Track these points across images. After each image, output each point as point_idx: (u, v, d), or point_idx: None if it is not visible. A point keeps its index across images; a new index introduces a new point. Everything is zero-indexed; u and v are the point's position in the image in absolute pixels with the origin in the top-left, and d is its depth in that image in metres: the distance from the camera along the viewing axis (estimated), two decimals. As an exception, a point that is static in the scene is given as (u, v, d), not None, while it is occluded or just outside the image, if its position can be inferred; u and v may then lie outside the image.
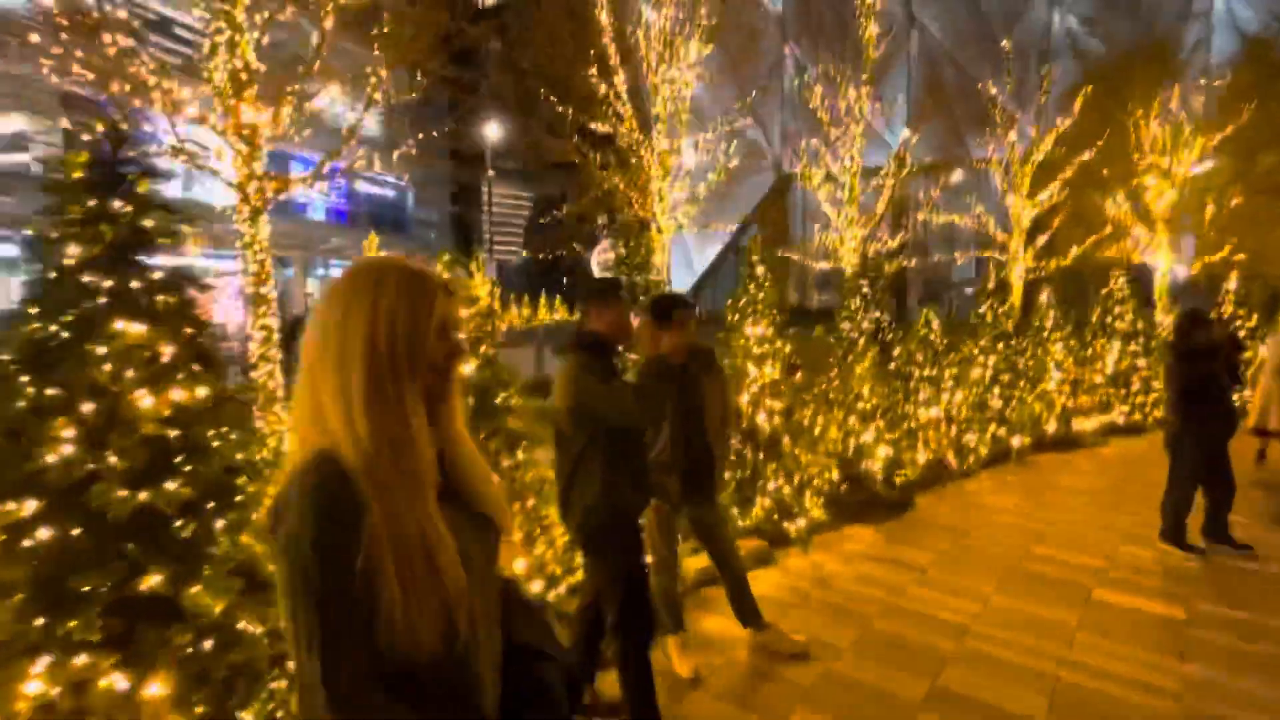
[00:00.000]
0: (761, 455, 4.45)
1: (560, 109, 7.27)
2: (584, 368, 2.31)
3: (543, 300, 41.18)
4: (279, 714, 2.17)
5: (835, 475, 5.35)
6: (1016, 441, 7.20)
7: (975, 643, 3.31)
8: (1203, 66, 13.33)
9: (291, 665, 2.17)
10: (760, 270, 5.32)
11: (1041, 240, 11.86)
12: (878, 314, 6.30)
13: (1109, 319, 9.28)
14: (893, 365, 6.29)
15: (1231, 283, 10.21)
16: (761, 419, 4.47)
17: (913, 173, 11.77)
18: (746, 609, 3.17)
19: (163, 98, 4.17)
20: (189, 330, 2.14)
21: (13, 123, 22.28)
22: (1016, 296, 11.91)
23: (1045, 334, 8.35)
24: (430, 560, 0.87)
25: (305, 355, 0.92)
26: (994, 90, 11.70)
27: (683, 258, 44.76)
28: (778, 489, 4.43)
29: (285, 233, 29.32)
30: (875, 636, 3.37)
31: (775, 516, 4.48)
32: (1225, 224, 12.31)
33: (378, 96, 5.34)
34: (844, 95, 9.69)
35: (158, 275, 2.09)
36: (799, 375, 5.33)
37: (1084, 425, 8.01)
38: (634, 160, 7.00)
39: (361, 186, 36.54)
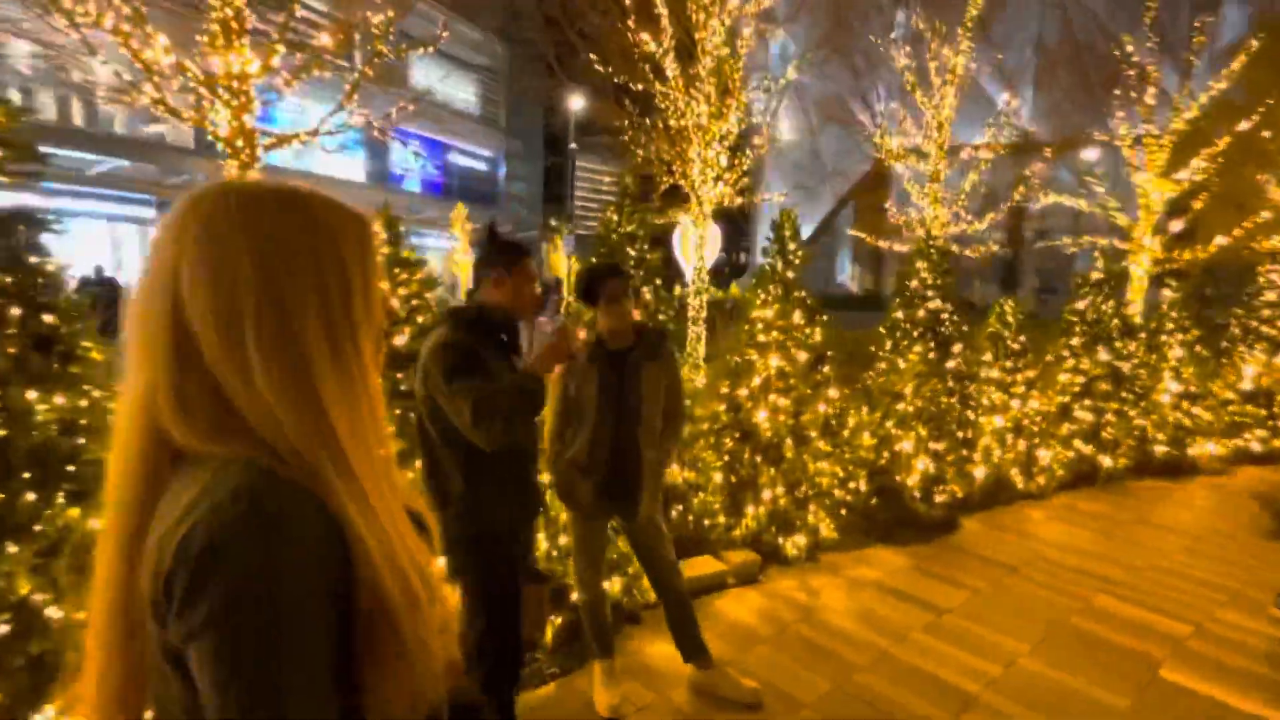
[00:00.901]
0: (759, 458, 3.86)
1: (602, 68, 6.76)
2: (446, 349, 1.88)
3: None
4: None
5: (863, 486, 4.65)
6: (1108, 462, 6.07)
7: None
8: None
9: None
10: (792, 246, 4.67)
11: (1174, 226, 10.00)
12: (937, 303, 5.39)
13: (1254, 323, 7.67)
14: (952, 363, 5.39)
15: None
16: (762, 417, 3.87)
17: (1020, 145, 10.29)
18: (689, 641, 2.67)
19: (138, 45, 4.10)
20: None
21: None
22: (1137, 292, 10.22)
23: (1163, 336, 6.99)
24: (432, 592, 0.66)
25: (201, 325, 0.60)
26: (1129, 46, 9.92)
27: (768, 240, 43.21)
28: (773, 498, 3.83)
29: (377, 202, 30.91)
30: (852, 693, 2.76)
31: (773, 529, 3.90)
32: None
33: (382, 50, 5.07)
34: (934, 53, 8.47)
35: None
36: (827, 369, 4.65)
37: (1203, 449, 6.65)
38: (674, 124, 6.39)
39: (455, 159, 37.77)
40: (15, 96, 21.13)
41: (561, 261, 31.63)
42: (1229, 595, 3.78)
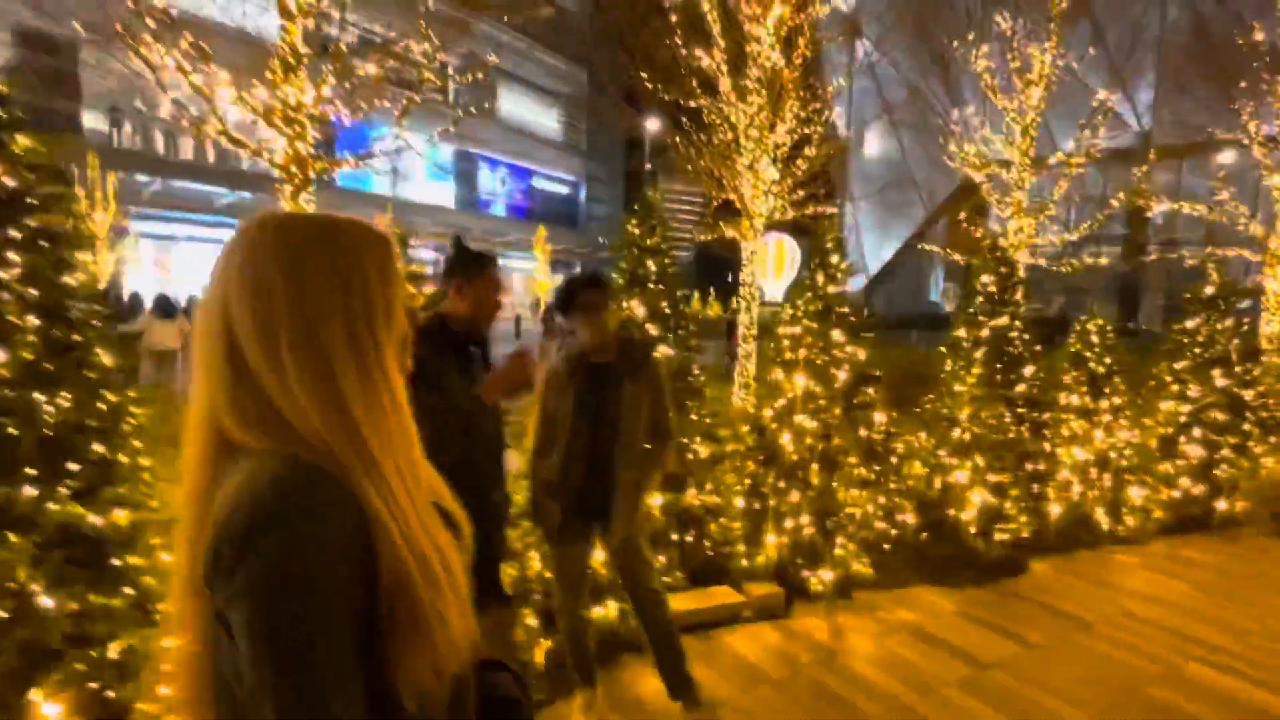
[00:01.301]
0: (782, 483, 3.61)
1: (650, 84, 6.75)
2: None
3: (695, 296, 40.98)
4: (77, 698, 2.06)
5: (911, 518, 4.25)
6: (1223, 505, 5.24)
7: (1013, 797, 2.26)
8: None
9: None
10: (835, 259, 4.44)
11: None
12: (1004, 319, 4.88)
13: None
14: (1021, 387, 4.86)
15: None
16: (786, 440, 3.62)
17: (1133, 150, 9.33)
18: (673, 677, 2.49)
19: (203, 82, 4.48)
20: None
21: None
22: (1276, 309, 8.92)
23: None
24: (454, 578, 0.74)
25: (245, 338, 0.71)
26: (1259, 34, 8.78)
27: (856, 253, 41.64)
28: (796, 527, 3.55)
29: (465, 226, 32.66)
30: (859, 751, 2.47)
31: (798, 561, 3.62)
32: None
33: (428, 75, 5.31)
34: (1016, 53, 7.80)
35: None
36: (872, 390, 4.32)
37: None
38: (719, 138, 6.24)
39: (539, 183, 39.30)
40: (160, 139, 24.07)
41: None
42: (1366, 674, 3.10)
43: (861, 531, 3.83)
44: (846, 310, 4.42)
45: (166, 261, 24.94)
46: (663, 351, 3.32)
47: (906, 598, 3.80)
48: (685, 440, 3.64)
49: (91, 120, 21.49)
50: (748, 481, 3.64)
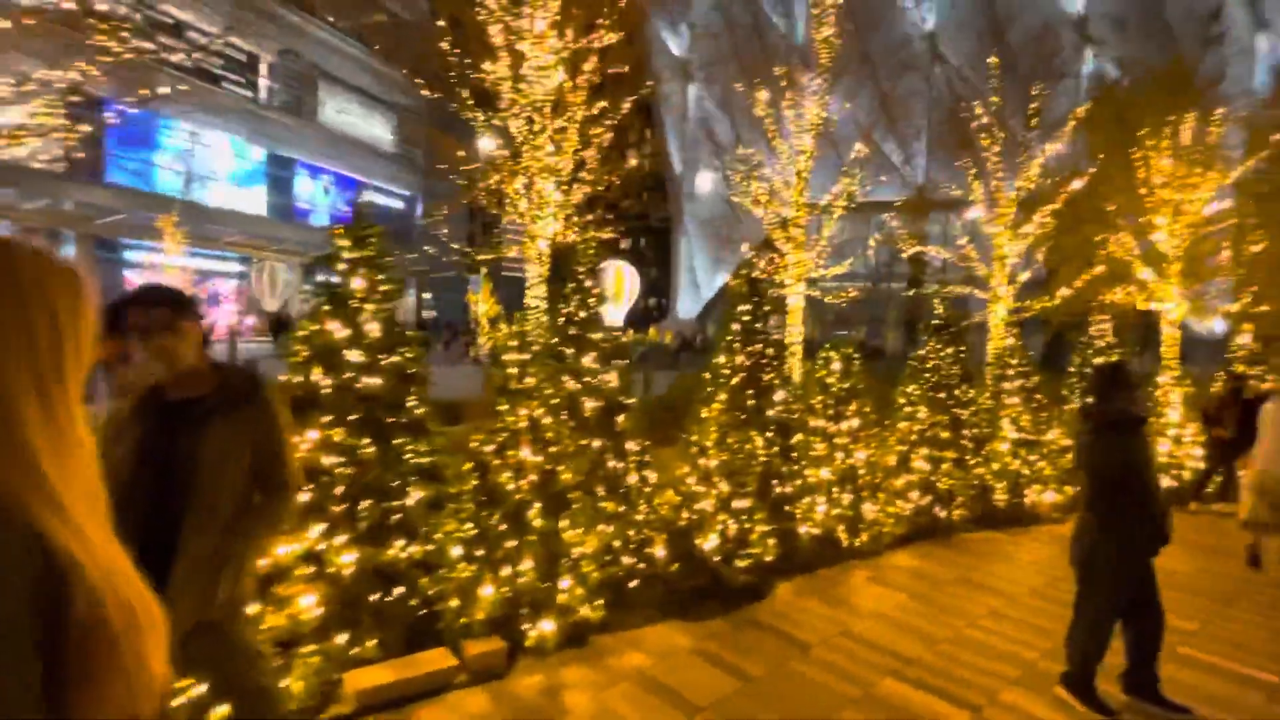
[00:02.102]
0: (504, 526, 3.28)
1: (428, 90, 6.32)
2: None
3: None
4: None
5: (661, 551, 4.14)
6: (944, 514, 5.88)
7: None
8: (1224, 96, 11.86)
9: None
10: (589, 284, 4.28)
11: (1023, 277, 10.46)
12: (757, 346, 5.09)
13: (1088, 370, 7.89)
14: (771, 412, 5.06)
15: (1244, 337, 8.74)
16: (506, 477, 3.31)
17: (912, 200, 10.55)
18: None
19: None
20: None
21: (11, 117, 22.61)
22: (996, 339, 10.53)
23: (1003, 384, 7.03)
24: (152, 617, 0.72)
25: None
26: (979, 110, 10.50)
27: (690, 281, 43.92)
28: (512, 575, 3.23)
29: (279, 237, 29.30)
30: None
31: (524, 612, 3.30)
32: (1246, 271, 10.82)
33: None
34: (792, 101, 8.57)
35: None
36: (622, 419, 4.19)
37: (1041, 498, 6.61)
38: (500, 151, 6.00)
39: (369, 196, 36.56)
40: None
41: (485, 299, 30.73)
42: (1022, 670, 3.45)
43: (596, 572, 3.62)
44: (600, 336, 4.28)
45: None
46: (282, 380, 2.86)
47: (644, 638, 3.64)
48: (398, 484, 3.19)
49: None
50: (468, 526, 3.26)
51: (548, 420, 3.43)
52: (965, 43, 27.10)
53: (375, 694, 2.86)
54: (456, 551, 3.22)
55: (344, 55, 32.81)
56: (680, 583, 4.17)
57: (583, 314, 4.28)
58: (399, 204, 39.59)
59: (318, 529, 2.94)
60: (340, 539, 2.97)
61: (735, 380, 5.02)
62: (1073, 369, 8.17)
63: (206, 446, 1.85)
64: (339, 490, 3.02)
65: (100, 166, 23.80)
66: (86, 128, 4.34)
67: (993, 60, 10.34)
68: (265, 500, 1.96)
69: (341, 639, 2.87)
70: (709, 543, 4.15)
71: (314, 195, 33.56)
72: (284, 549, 2.76)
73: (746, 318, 5.13)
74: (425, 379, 3.49)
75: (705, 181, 43.92)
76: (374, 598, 3.04)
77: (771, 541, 4.67)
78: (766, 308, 5.20)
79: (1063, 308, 11.30)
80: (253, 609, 2.35)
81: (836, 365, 5.36)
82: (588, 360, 4.16)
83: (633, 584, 4.00)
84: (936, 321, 6.77)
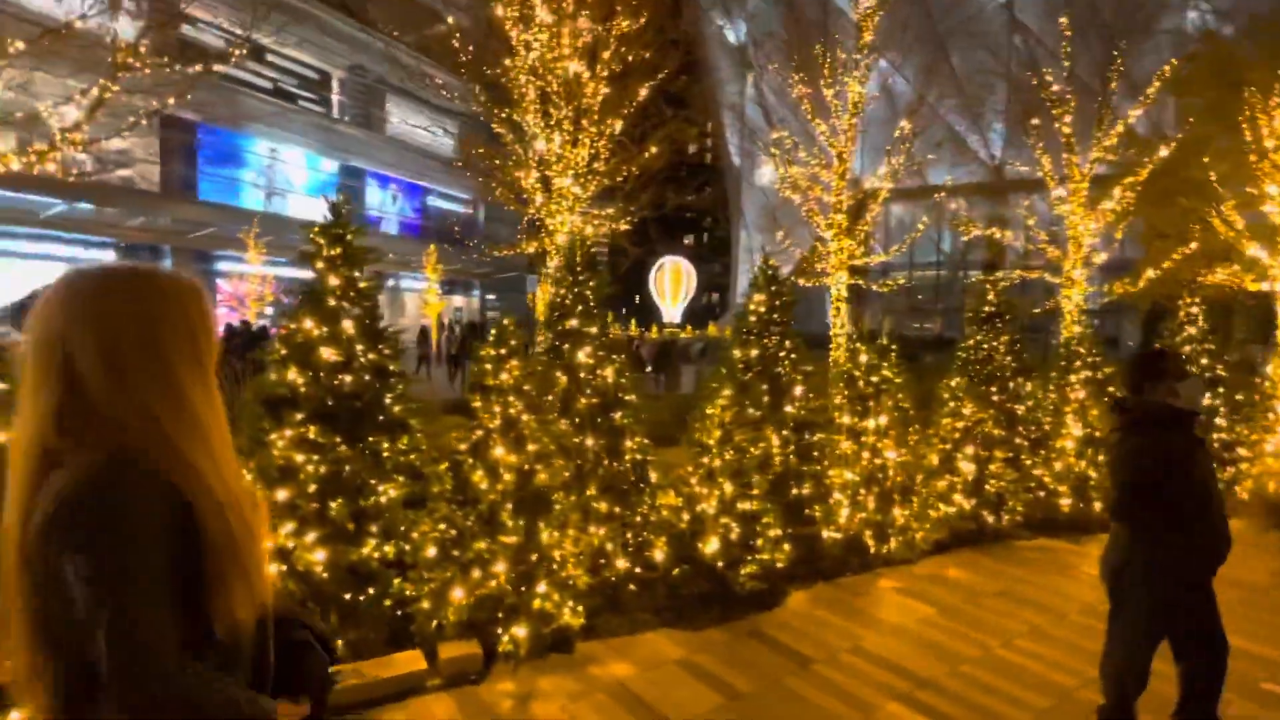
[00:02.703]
0: (475, 528, 3.18)
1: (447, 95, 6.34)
2: None
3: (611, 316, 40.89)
4: None
5: (660, 554, 3.95)
6: (992, 519, 5.35)
7: None
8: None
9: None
10: (584, 275, 4.15)
11: (1098, 260, 9.44)
12: (774, 339, 4.76)
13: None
14: (791, 409, 4.74)
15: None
16: (479, 477, 3.21)
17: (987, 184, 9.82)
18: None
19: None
20: None
21: (118, 142, 24.92)
22: (1070, 328, 9.61)
23: (1069, 376, 6.34)
24: (253, 534, 0.97)
25: (91, 370, 0.90)
26: (1049, 76, 9.58)
27: (750, 275, 43.00)
28: (482, 578, 3.12)
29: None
30: None
31: (500, 616, 3.19)
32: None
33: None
34: (830, 80, 8.05)
35: None
36: (619, 416, 4.02)
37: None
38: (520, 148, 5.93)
39: (434, 201, 38.01)
40: (-27, 141, 21.21)
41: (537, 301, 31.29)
42: (1055, 699, 3.03)
43: (584, 576, 3.47)
44: (595, 330, 4.13)
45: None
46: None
47: (634, 646, 3.46)
48: (374, 482, 3.16)
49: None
50: (442, 527, 3.18)
51: (525, 418, 3.31)
52: (1044, 4, 25.02)
53: (341, 695, 2.83)
54: (431, 552, 3.15)
55: (408, 67, 34.18)
56: (682, 588, 3.95)
57: (579, 308, 4.14)
58: (460, 208, 40.87)
59: (288, 527, 2.94)
60: (311, 536, 2.96)
61: (748, 376, 4.75)
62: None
63: None
64: (312, 488, 3.01)
65: (194, 184, 25.89)
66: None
67: (1064, 20, 9.38)
68: None
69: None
70: (710, 546, 3.90)
71: (383, 203, 35.21)
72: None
73: (762, 309, 4.84)
74: (405, 376, 3.45)
75: (764, 174, 42.92)
76: (347, 596, 3.03)
77: (788, 547, 4.37)
78: (784, 299, 4.88)
79: (1153, 291, 10.20)
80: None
81: (864, 358, 4.96)
82: (582, 355, 4.02)
83: (630, 588, 3.82)
84: (988, 308, 6.20)
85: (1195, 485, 2.42)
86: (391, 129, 34.45)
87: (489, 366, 3.30)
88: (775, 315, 4.83)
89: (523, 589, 3.15)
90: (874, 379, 4.89)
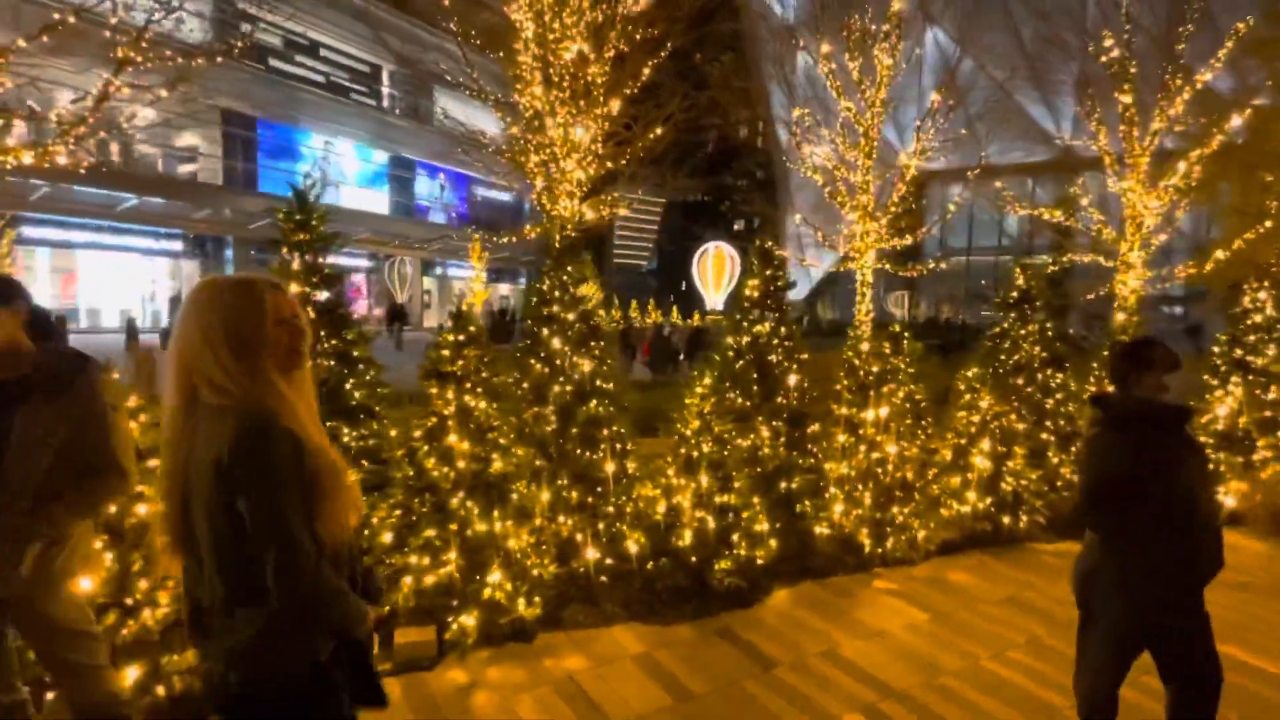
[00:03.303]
0: (424, 515, 3.15)
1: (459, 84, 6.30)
2: None
3: (634, 305, 40.86)
4: None
5: (633, 547, 3.85)
6: (1006, 520, 4.99)
7: None
8: None
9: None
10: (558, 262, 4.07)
11: (1156, 241, 8.61)
12: (765, 326, 4.54)
13: (1237, 351, 6.36)
14: (780, 399, 4.52)
15: None
16: (432, 464, 3.17)
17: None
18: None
19: None
20: None
21: (186, 139, 26.36)
22: (1124, 316, 8.87)
23: (1098, 365, 5.83)
24: (340, 474, 1.36)
25: (215, 347, 1.31)
26: (1109, 42, 8.79)
27: (795, 264, 41.86)
28: (432, 565, 3.08)
29: (401, 234, 31.69)
30: None
31: (454, 604, 3.16)
32: None
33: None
34: (854, 54, 7.57)
35: None
36: (593, 404, 3.93)
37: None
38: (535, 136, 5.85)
39: (481, 191, 38.63)
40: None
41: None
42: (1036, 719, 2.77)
43: (552, 566, 3.40)
44: (573, 317, 4.04)
45: (72, 270, 23.60)
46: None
47: (596, 639, 3.38)
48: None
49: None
50: (398, 513, 3.17)
51: (482, 405, 3.25)
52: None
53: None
54: (388, 538, 3.15)
55: (455, 57, 34.70)
56: (658, 582, 3.84)
57: (556, 293, 4.05)
58: (508, 196, 41.34)
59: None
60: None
61: (740, 364, 4.56)
62: (1217, 350, 6.63)
63: (16, 425, 1.86)
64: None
65: (254, 177, 27.16)
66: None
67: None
68: (82, 483, 1.95)
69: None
70: (684, 540, 3.77)
71: (432, 193, 36.05)
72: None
73: (754, 294, 4.63)
74: (370, 362, 3.45)
75: (816, 155, 41.60)
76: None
77: (774, 543, 4.20)
78: (779, 283, 4.65)
79: (1231, 275, 9.30)
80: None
81: (865, 346, 4.68)
82: (557, 343, 3.93)
83: (601, 580, 3.74)
84: (1016, 294, 5.78)
85: (1179, 491, 2.12)
86: (440, 120, 35.13)
87: (445, 353, 3.25)
88: (769, 300, 4.61)
89: (477, 578, 3.11)
90: (875, 368, 4.61)
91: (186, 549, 1.33)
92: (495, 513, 3.20)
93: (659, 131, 6.21)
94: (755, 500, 4.31)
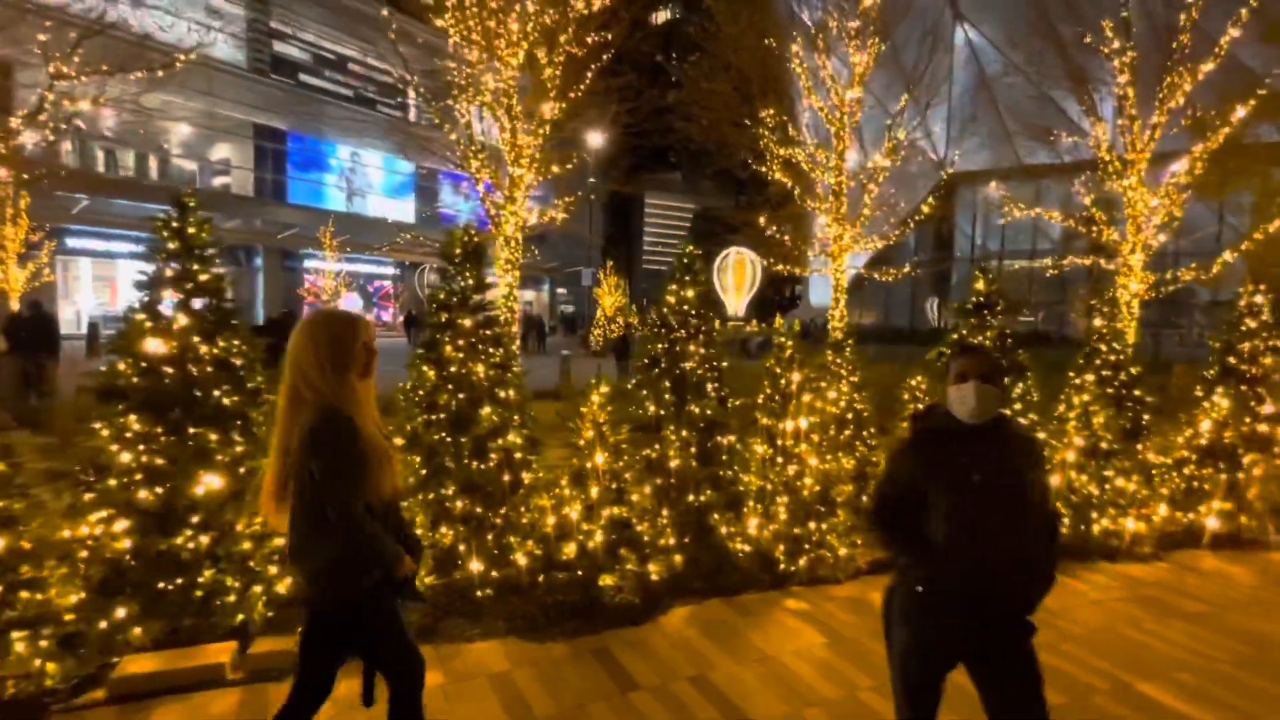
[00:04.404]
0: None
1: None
2: None
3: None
4: None
5: (522, 559, 3.75)
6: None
7: None
8: None
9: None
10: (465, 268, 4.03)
11: (1156, 242, 8.06)
12: (681, 331, 4.38)
13: (1230, 359, 5.89)
14: (694, 408, 4.36)
15: None
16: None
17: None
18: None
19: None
20: None
21: (220, 151, 27.52)
22: (1128, 321, 8.38)
23: (1084, 376, 5.46)
24: (386, 455, 1.91)
25: (312, 364, 1.87)
26: (1108, 28, 8.33)
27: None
28: (280, 574, 3.04)
29: (435, 241, 32.27)
30: None
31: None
32: None
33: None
34: (825, 54, 7.34)
35: None
36: (486, 410, 3.85)
37: (1121, 525, 5.04)
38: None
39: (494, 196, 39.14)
40: (100, 156, 24.08)
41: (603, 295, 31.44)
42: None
43: (427, 577, 3.33)
44: (469, 323, 3.97)
45: (113, 279, 24.79)
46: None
47: (462, 654, 3.28)
48: (201, 473, 3.18)
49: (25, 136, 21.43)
50: (259, 520, 3.15)
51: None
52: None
53: (135, 682, 2.86)
54: (247, 545, 3.13)
55: (468, 63, 35.27)
56: (547, 596, 3.73)
57: (455, 300, 3.99)
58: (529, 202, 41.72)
59: (98, 514, 3.01)
60: (121, 525, 3.02)
61: (653, 372, 4.42)
62: (1212, 357, 6.15)
63: None
64: (130, 478, 3.07)
65: (283, 188, 28.16)
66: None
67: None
68: None
69: (105, 624, 2.91)
70: (570, 553, 3.65)
71: (456, 201, 36.72)
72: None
73: (672, 299, 4.49)
74: (254, 370, 3.44)
75: (880, 164, 40.65)
76: (161, 585, 3.06)
77: (678, 558, 4.05)
78: (699, 289, 4.49)
79: (1257, 277, 8.69)
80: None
81: (788, 353, 4.48)
82: (449, 349, 3.87)
83: (486, 593, 3.65)
84: (976, 299, 5.48)
85: (960, 520, 1.89)
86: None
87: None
88: (686, 307, 4.46)
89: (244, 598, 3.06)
90: (796, 376, 4.40)
91: (284, 503, 1.87)
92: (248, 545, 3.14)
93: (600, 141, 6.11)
94: (664, 513, 4.17)
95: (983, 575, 1.87)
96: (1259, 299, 5.89)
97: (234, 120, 25.51)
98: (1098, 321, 5.95)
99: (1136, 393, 5.56)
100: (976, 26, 28.49)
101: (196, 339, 3.30)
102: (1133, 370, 5.64)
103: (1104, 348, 5.63)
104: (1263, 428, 5.57)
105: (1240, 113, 7.37)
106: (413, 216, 33.40)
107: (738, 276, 33.91)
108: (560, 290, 44.79)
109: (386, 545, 1.85)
